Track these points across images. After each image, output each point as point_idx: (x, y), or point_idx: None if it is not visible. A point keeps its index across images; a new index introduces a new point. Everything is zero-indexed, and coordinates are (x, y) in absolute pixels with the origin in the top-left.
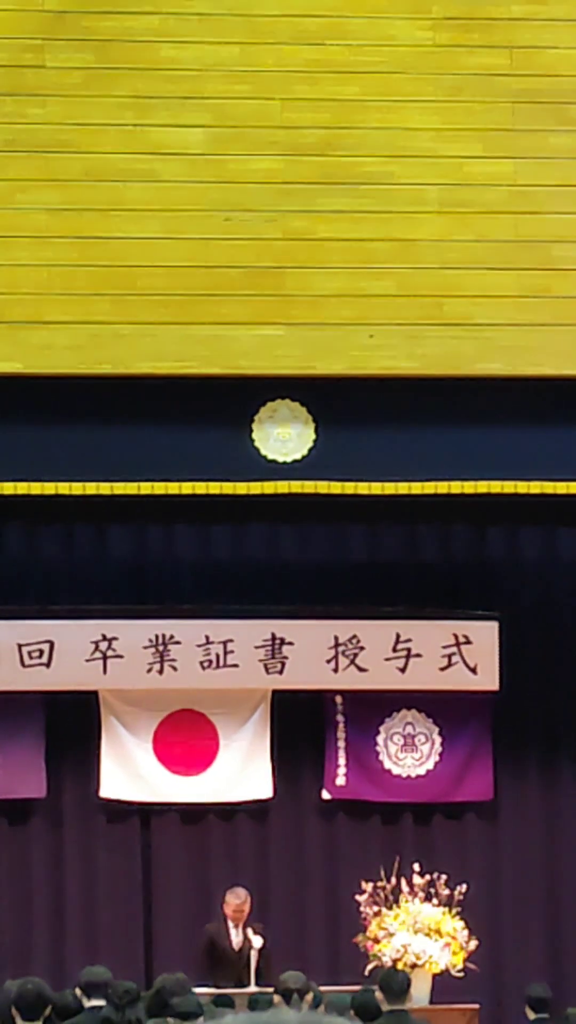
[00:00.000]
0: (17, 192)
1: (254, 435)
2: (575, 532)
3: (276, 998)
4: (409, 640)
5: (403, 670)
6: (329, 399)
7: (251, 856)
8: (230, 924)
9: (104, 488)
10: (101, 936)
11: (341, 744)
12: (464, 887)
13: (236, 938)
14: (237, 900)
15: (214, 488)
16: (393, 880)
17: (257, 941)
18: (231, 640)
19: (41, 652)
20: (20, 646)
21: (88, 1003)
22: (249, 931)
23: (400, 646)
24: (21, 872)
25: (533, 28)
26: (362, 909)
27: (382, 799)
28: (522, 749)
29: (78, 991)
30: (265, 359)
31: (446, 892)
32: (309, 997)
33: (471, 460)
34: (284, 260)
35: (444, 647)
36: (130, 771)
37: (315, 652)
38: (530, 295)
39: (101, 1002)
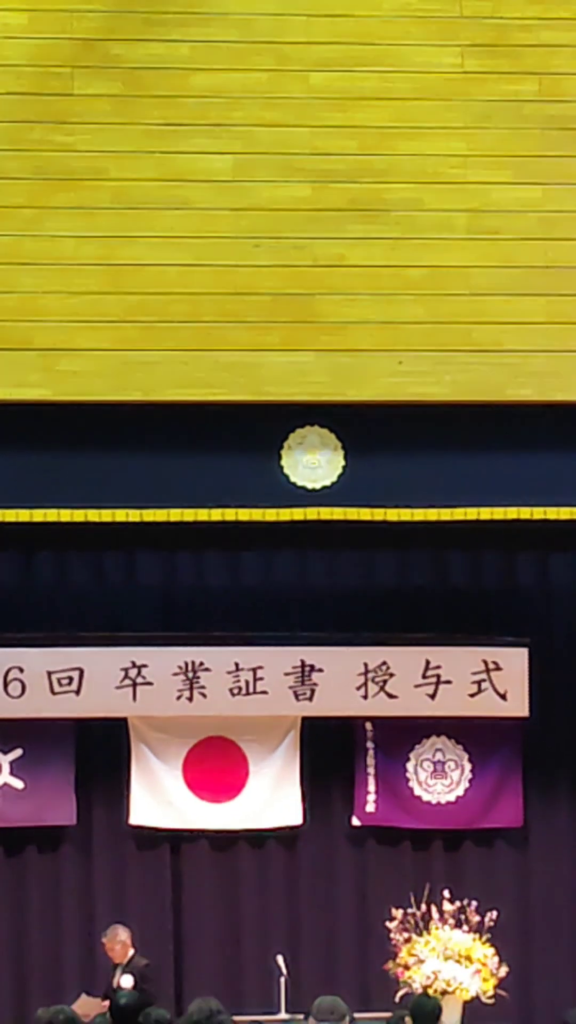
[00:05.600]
0: (46, 219)
1: (283, 462)
2: None
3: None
4: (439, 666)
5: (433, 696)
6: (358, 426)
7: (281, 883)
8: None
9: (133, 515)
10: None
11: (371, 771)
12: (494, 914)
13: (116, 978)
14: (104, 939)
15: (243, 515)
16: (423, 907)
17: (126, 981)
18: (261, 667)
19: (71, 679)
20: (50, 673)
21: None
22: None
23: (430, 672)
24: (51, 899)
25: (562, 54)
26: (392, 936)
27: (412, 826)
28: (552, 775)
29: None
30: (294, 386)
31: (476, 919)
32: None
33: (501, 486)
34: (313, 287)
35: (474, 673)
36: (160, 798)
37: (345, 679)
38: (560, 321)
39: None
